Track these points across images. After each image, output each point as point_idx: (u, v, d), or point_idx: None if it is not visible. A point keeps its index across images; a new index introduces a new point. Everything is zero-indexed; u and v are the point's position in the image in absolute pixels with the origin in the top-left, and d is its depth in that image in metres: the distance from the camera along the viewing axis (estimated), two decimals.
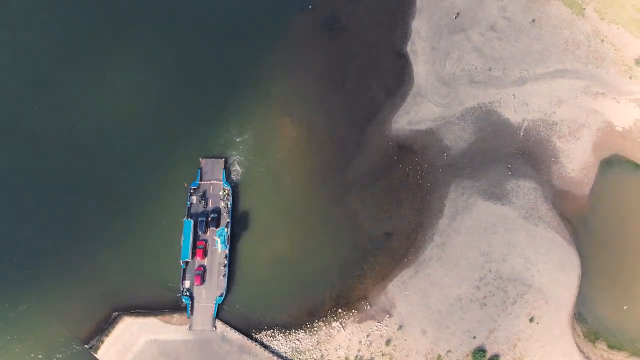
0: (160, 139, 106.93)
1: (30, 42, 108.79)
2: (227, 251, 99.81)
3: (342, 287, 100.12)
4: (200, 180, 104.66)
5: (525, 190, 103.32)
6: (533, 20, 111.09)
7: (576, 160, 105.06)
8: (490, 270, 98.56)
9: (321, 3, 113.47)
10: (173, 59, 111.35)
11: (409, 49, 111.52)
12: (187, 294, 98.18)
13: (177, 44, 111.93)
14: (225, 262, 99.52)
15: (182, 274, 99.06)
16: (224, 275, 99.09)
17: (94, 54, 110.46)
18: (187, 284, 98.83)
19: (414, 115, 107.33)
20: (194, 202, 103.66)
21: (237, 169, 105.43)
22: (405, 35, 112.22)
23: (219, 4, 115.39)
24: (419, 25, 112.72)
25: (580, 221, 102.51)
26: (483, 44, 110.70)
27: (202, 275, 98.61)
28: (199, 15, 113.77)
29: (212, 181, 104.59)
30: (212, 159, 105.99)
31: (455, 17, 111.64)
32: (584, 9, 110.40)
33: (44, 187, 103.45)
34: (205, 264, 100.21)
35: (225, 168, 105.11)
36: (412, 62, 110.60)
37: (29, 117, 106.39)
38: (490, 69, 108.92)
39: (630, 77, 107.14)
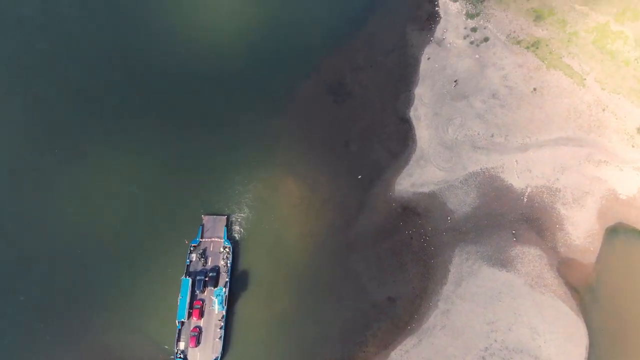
0: (163, 194, 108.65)
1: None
2: (224, 312, 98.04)
3: (343, 355, 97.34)
4: (201, 237, 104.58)
5: (530, 257, 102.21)
6: (534, 89, 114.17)
7: (581, 228, 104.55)
8: (495, 340, 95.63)
9: (327, 70, 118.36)
10: (179, 116, 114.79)
11: (412, 114, 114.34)
12: (181, 356, 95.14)
13: (183, 102, 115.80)
14: (222, 323, 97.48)
15: (177, 335, 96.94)
16: (219, 338, 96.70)
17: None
18: (181, 345, 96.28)
19: (417, 178, 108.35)
20: (194, 259, 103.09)
21: (239, 227, 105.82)
22: (408, 101, 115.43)
23: (227, 64, 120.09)
24: (422, 92, 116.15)
25: (587, 290, 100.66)
26: (485, 111, 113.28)
27: (197, 337, 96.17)
28: (207, 74, 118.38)
29: (213, 238, 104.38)
30: (214, 216, 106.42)
31: (455, 85, 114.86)
32: (585, 79, 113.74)
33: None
34: (202, 325, 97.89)
35: (227, 225, 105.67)
36: (415, 126, 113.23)
37: (38, 172, 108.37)
38: (492, 135, 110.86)
39: (633, 146, 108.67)
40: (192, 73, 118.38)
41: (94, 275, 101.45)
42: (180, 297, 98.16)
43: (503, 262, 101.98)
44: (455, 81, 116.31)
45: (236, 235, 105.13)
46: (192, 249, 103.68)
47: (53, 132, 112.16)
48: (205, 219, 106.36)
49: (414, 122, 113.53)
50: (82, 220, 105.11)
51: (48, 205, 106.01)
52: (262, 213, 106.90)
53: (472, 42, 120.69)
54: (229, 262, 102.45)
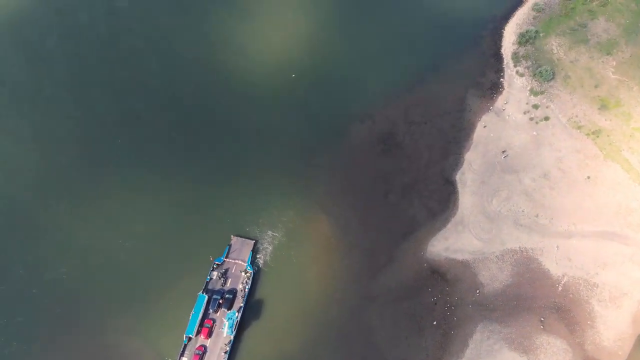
0: (197, 208, 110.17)
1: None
2: (232, 337, 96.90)
3: None
4: (226, 257, 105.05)
5: (555, 348, 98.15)
6: (588, 177, 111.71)
7: (613, 329, 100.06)
8: None
9: (381, 119, 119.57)
10: (224, 137, 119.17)
11: (458, 177, 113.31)
12: None
13: (231, 134, 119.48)
14: (227, 348, 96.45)
15: (182, 349, 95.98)
16: None
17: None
18: None
19: (452, 243, 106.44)
20: (214, 277, 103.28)
21: (264, 255, 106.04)
22: (457, 164, 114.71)
23: (284, 94, 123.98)
24: (473, 158, 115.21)
25: None
26: (534, 190, 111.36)
27: (201, 356, 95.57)
28: (258, 110, 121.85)
29: (237, 261, 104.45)
30: (243, 239, 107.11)
31: (504, 155, 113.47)
32: None
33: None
34: (208, 345, 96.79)
35: (253, 250, 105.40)
36: (459, 190, 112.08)
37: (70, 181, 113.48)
38: (537, 215, 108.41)
39: None
40: (248, 102, 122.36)
41: (113, 278, 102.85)
42: (192, 312, 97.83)
43: (525, 349, 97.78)
44: (504, 151, 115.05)
45: (260, 262, 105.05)
46: (215, 266, 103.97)
47: (90, 147, 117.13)
48: (234, 239, 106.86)
49: (459, 186, 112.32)
50: (114, 228, 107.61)
51: (80, 217, 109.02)
52: (290, 246, 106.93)
53: (531, 119, 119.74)
54: (247, 287, 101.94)
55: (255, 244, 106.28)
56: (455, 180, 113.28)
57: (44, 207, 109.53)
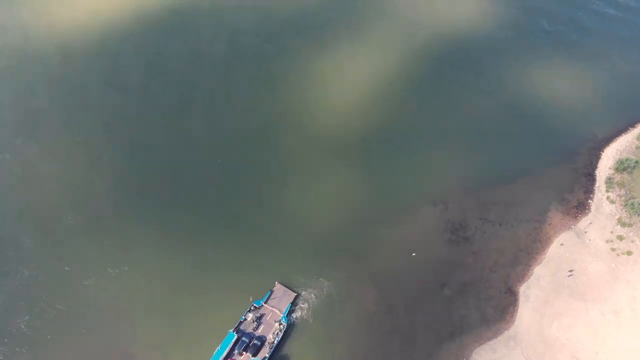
0: (253, 245, 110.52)
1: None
2: None
3: None
4: (265, 302, 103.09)
5: None
6: None
7: None
8: None
9: (455, 207, 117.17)
10: (297, 199, 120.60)
11: (522, 289, 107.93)
12: None
13: (300, 191, 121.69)
14: None
15: None
16: None
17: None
18: None
19: (499, 357, 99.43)
20: (248, 319, 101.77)
21: (302, 311, 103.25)
22: (523, 275, 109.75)
23: (352, 167, 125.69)
24: (542, 273, 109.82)
25: None
26: (600, 325, 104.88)
27: None
28: (329, 171, 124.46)
29: (275, 309, 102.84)
30: (286, 289, 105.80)
31: (570, 274, 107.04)
32: None
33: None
34: None
35: (292, 303, 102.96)
36: (520, 303, 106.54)
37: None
38: (597, 353, 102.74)
39: None
40: (319, 163, 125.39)
41: (152, 292, 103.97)
42: (218, 348, 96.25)
43: None
44: (571, 270, 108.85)
45: (296, 317, 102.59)
46: (252, 308, 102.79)
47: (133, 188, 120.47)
48: (277, 287, 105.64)
49: (521, 298, 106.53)
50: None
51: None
52: (330, 310, 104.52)
53: (613, 249, 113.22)
54: (277, 339, 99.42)
55: (296, 297, 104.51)
56: (518, 292, 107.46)
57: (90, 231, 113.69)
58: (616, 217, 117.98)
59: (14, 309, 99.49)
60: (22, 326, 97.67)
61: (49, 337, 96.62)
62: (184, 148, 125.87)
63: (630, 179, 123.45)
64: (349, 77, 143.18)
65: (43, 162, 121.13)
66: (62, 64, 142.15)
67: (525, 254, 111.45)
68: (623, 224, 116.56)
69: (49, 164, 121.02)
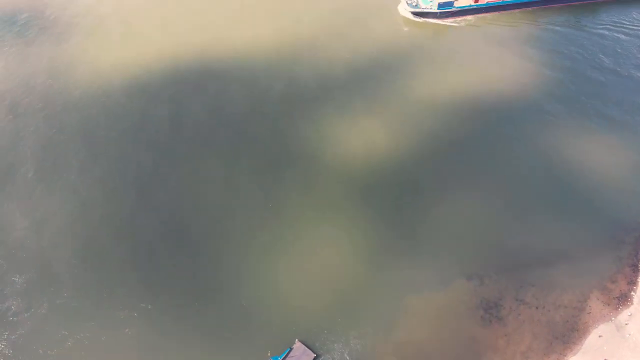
0: (277, 299, 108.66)
1: None
2: None
3: None
4: (283, 359, 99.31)
5: None
6: None
7: None
8: None
9: (491, 283, 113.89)
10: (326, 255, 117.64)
11: None
12: None
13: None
14: None
15: None
16: None
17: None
18: None
19: None
20: None
21: None
22: None
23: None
24: None
25: None
26: None
27: None
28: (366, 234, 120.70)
29: None
30: (306, 348, 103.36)
31: None
32: None
33: None
34: None
35: None
36: None
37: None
38: None
39: None
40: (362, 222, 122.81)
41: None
42: None
43: None
44: None
45: None
46: None
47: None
48: (297, 345, 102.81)
49: None
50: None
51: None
52: None
53: None
54: None
55: (315, 359, 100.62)
56: None
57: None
58: None
59: None
60: None
61: None
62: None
63: None
64: (395, 135, 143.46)
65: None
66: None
67: (560, 342, 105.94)
68: None
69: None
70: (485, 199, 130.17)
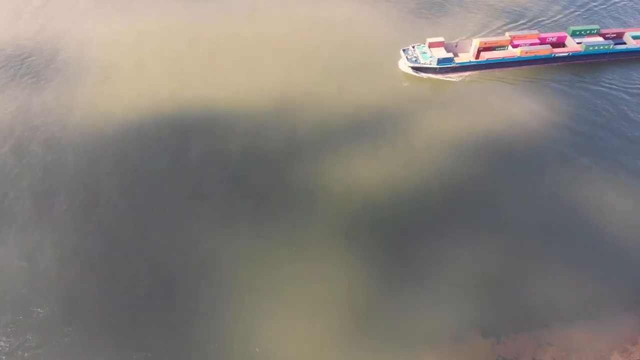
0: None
1: None
2: None
3: None
4: None
5: None
6: None
7: None
8: None
9: (509, 342, 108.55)
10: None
11: None
12: None
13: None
14: None
15: None
16: None
17: None
18: None
19: None
20: None
21: None
22: None
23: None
24: None
25: None
26: None
27: None
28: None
29: None
30: None
31: None
32: None
33: None
34: None
35: None
36: None
37: None
38: None
39: None
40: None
41: None
42: None
43: None
44: None
45: None
46: None
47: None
48: None
49: None
50: None
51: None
52: None
53: None
54: None
55: None
56: None
57: None
58: None
59: None
60: None
61: None
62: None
63: None
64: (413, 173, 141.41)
65: None
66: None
67: None
68: None
69: None
70: (501, 247, 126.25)
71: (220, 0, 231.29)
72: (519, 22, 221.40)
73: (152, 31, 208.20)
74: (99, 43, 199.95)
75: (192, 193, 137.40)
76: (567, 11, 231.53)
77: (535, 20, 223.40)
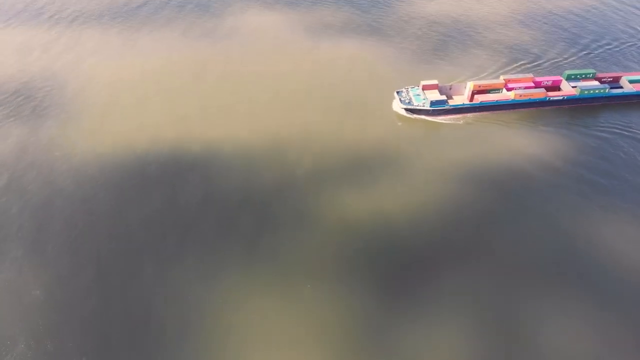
0: None
1: None
2: None
3: None
4: None
5: None
6: None
7: None
8: None
9: None
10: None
11: None
12: None
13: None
14: None
15: None
16: None
17: None
18: None
19: None
20: None
21: None
22: None
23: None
24: None
25: None
26: None
27: None
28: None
29: None
30: None
31: None
32: None
33: None
34: None
35: None
36: None
37: None
38: None
39: None
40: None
41: None
42: None
43: None
44: None
45: None
46: None
47: None
48: None
49: None
50: None
51: None
52: None
53: None
54: None
55: None
56: None
57: None
58: None
59: None
60: None
61: None
62: None
63: None
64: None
65: None
66: None
67: None
68: None
69: None
70: (511, 286, 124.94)
71: (225, 38, 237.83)
72: (536, 63, 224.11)
73: (156, 69, 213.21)
74: (102, 81, 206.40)
75: (182, 236, 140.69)
76: (582, 53, 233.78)
77: (552, 61, 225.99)
